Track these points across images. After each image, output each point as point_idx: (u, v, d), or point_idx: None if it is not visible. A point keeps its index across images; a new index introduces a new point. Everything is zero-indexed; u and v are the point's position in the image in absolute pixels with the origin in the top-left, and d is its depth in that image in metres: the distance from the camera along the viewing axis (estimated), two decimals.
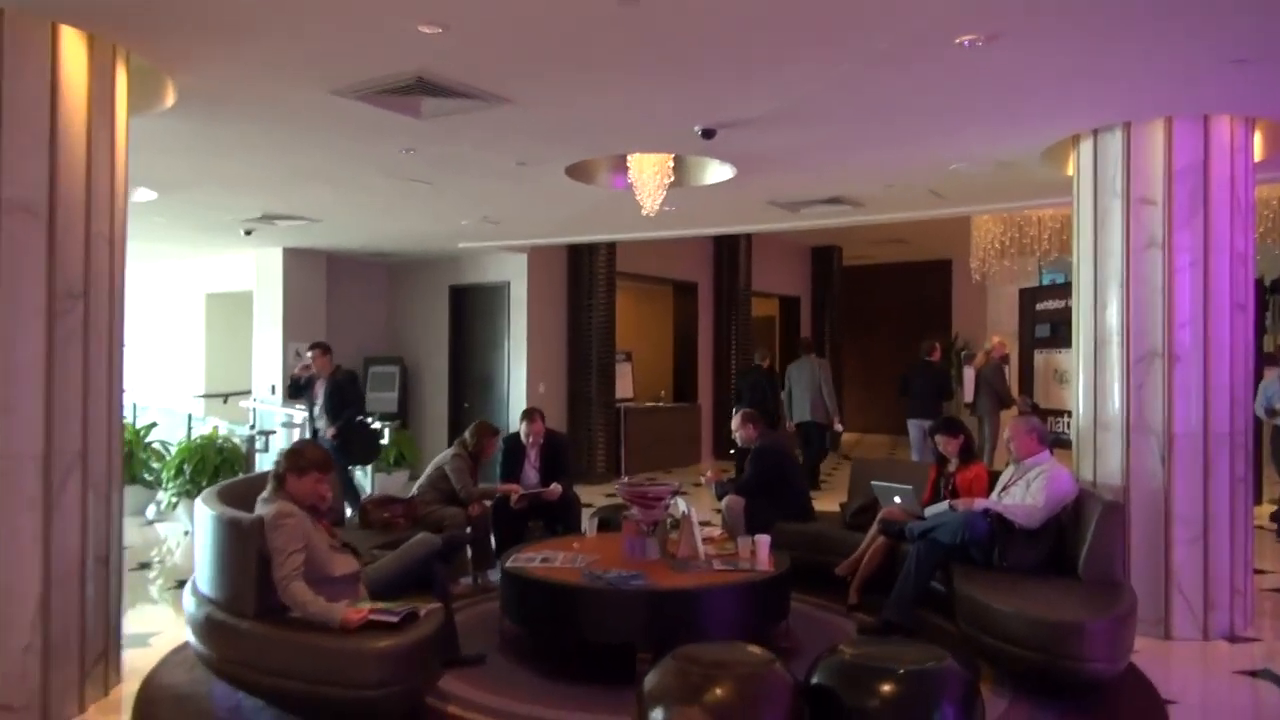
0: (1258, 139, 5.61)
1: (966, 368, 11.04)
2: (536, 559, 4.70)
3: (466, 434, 6.07)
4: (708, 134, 5.04)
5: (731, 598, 4.35)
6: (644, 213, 6.08)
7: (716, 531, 5.39)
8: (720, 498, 6.26)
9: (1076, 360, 5.34)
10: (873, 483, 5.66)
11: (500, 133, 5.32)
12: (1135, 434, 4.97)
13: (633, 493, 4.90)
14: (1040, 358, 9.90)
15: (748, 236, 13.38)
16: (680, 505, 4.95)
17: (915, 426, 9.59)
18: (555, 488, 6.01)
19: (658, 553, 4.76)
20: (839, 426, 11.01)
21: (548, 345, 10.95)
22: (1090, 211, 5.20)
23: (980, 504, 4.81)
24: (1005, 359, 10.27)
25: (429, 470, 6.06)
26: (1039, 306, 10.00)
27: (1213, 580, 4.90)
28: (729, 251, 13.34)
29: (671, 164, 6.03)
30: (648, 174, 5.98)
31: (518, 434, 6.28)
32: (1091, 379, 5.20)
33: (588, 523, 5.95)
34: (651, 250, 12.00)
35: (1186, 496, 4.88)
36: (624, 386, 11.52)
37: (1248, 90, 4.56)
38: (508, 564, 4.64)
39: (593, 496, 9.95)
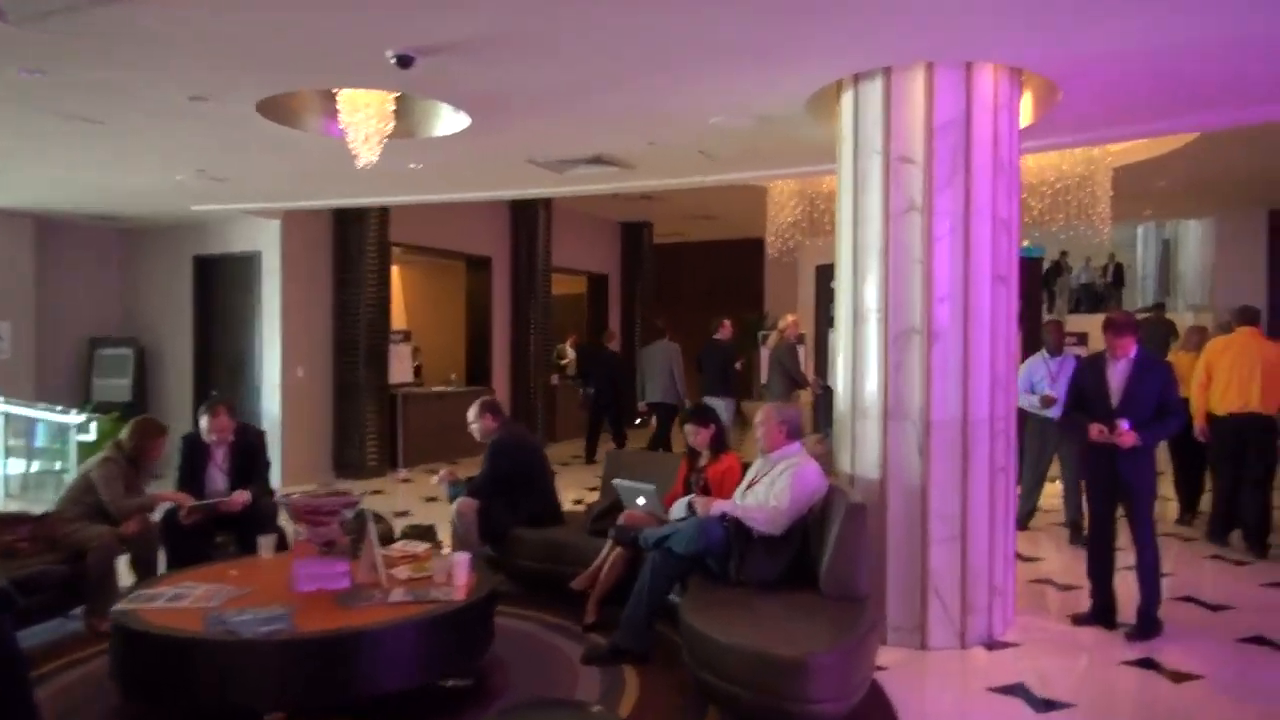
0: (1027, 100, 5.22)
1: (763, 348, 10.62)
2: (162, 597, 3.66)
3: (123, 433, 4.90)
4: (404, 61, 4.11)
5: (402, 638, 3.46)
6: (359, 164, 5.07)
7: (422, 547, 4.50)
8: (452, 500, 5.38)
9: (838, 339, 4.78)
10: (613, 481, 4.93)
11: (146, 52, 4.20)
12: (893, 421, 4.44)
13: (300, 505, 3.93)
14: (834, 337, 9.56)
15: (547, 207, 12.51)
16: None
17: (710, 404, 9.26)
18: (239, 496, 4.93)
19: (335, 580, 3.83)
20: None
21: (309, 324, 9.70)
22: (850, 171, 4.62)
23: (717, 507, 4.15)
24: (800, 339, 9.91)
25: (73, 479, 4.86)
26: (833, 284, 9.64)
27: (970, 581, 4.44)
28: (527, 224, 12.43)
29: (393, 106, 5.04)
30: (362, 117, 4.97)
31: (196, 432, 5.15)
32: (850, 360, 4.64)
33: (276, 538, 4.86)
34: (438, 220, 10.93)
35: (944, 491, 4.40)
36: (401, 370, 10.43)
37: (1014, 35, 4.06)
38: (117, 606, 3.58)
39: None
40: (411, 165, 6.53)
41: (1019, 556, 6.17)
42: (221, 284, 9.99)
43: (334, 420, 9.96)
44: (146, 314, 10.34)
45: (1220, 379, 6.41)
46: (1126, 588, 4.75)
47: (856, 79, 4.53)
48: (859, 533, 3.74)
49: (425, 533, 5.39)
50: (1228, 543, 6.45)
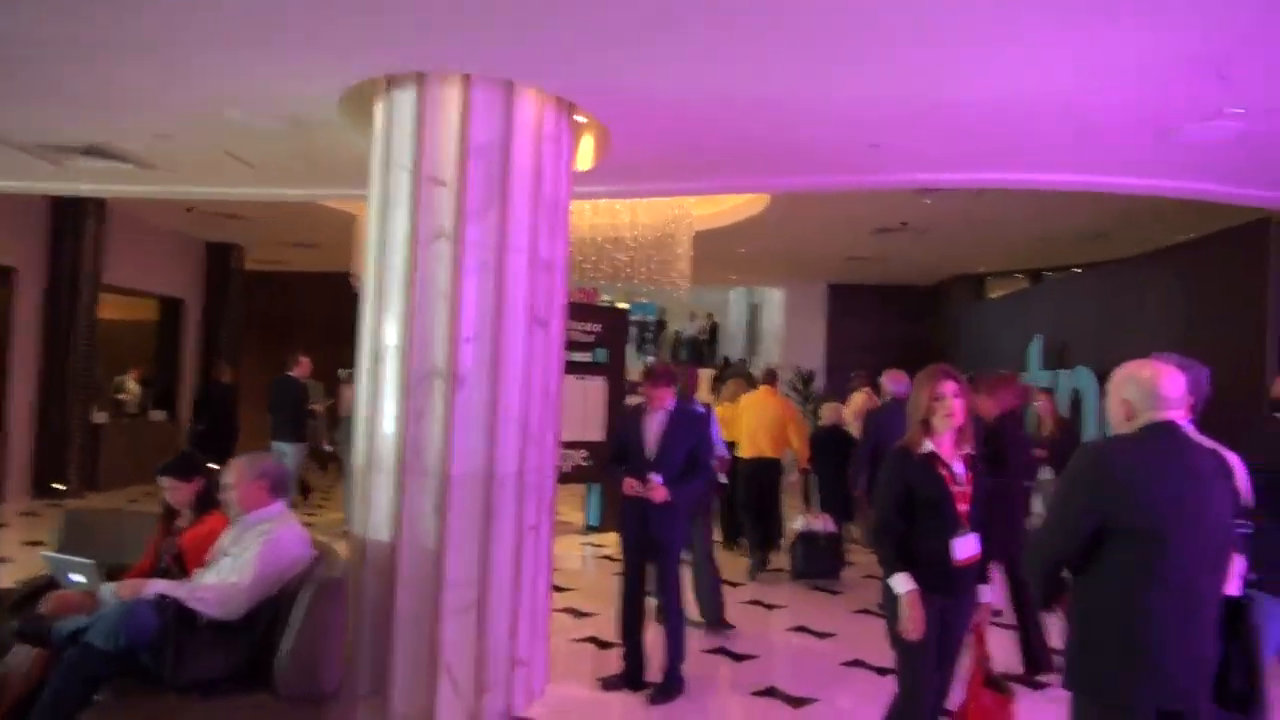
0: (589, 145, 5.05)
1: (344, 387, 9.71)
2: None
3: None
4: None
5: None
6: None
7: None
8: None
9: (360, 381, 4.13)
10: (44, 555, 3.81)
11: None
12: (409, 476, 3.87)
13: None
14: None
15: (98, 215, 10.57)
16: None
17: (275, 450, 8.36)
18: None
19: None
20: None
21: None
22: (380, 189, 4.04)
23: (152, 587, 3.26)
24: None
25: None
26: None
27: (489, 656, 3.97)
28: (71, 231, 10.39)
29: None
30: None
31: None
32: (367, 405, 4.02)
33: None
34: None
35: (462, 554, 3.90)
36: None
37: (559, 63, 3.76)
38: None
39: None
40: None
41: (574, 613, 5.94)
42: None
43: None
44: None
45: (744, 429, 7.36)
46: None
47: (390, 83, 3.99)
48: (329, 616, 3.08)
49: None
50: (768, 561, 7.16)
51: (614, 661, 4.74)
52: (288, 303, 15.38)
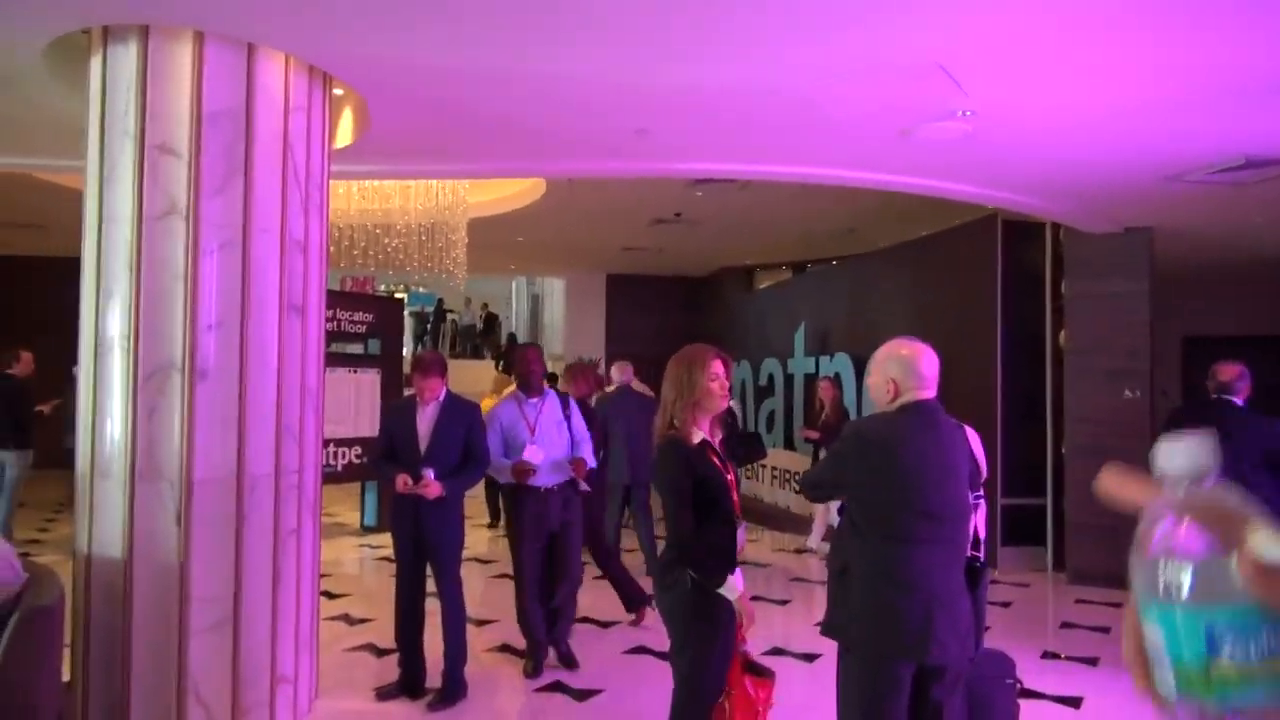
0: (349, 118, 4.73)
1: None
2: None
3: None
4: None
5: None
6: None
7: None
8: None
9: (82, 376, 3.63)
10: None
11: None
12: (142, 482, 3.44)
13: None
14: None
15: None
16: None
17: None
18: None
19: None
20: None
21: None
22: (97, 158, 3.55)
23: None
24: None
25: None
26: None
27: (245, 675, 3.61)
28: None
29: None
30: None
31: None
32: (90, 404, 3.53)
33: None
34: None
35: (210, 567, 3.51)
36: None
37: (306, 29, 3.45)
38: None
39: None
40: None
41: (348, 620, 5.60)
42: None
43: None
44: None
45: None
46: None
47: (107, 35, 3.50)
48: (41, 650, 2.67)
49: None
50: None
51: (392, 669, 4.50)
52: (9, 291, 13.53)
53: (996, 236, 7.61)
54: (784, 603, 6.41)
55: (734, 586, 2.73)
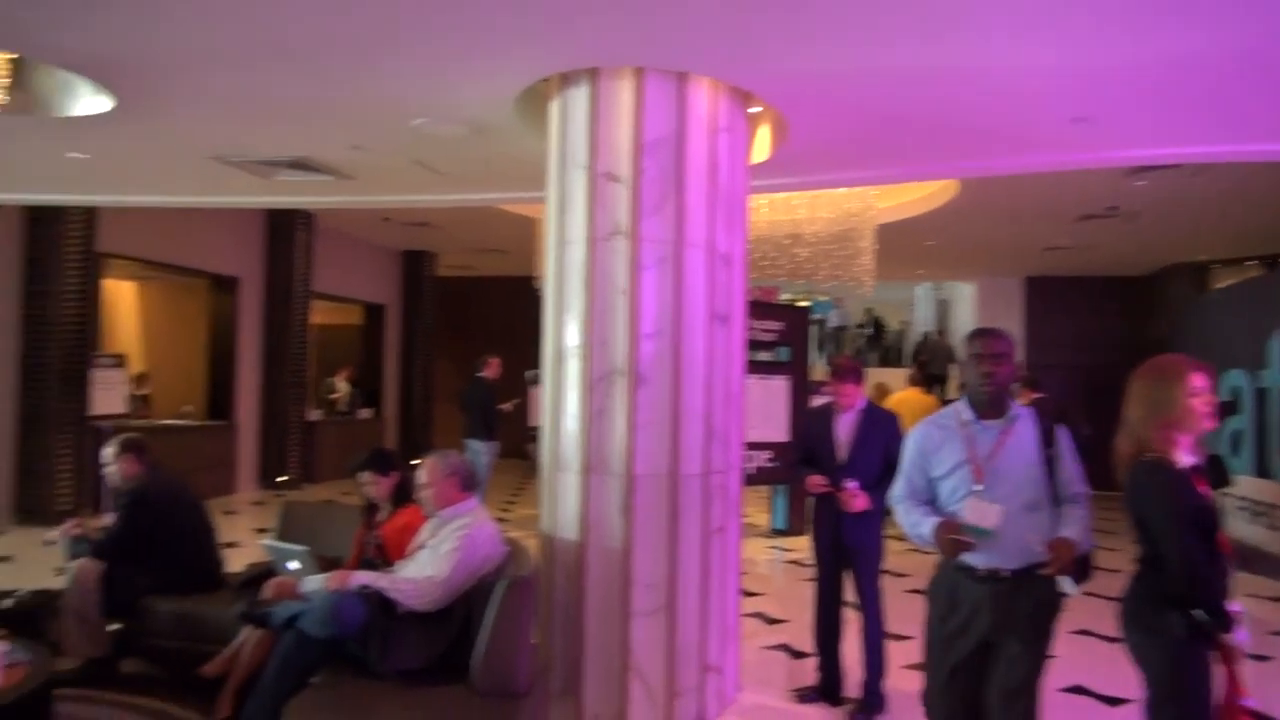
0: (766, 134, 4.90)
1: (533, 388, 9.97)
2: None
3: None
4: None
5: None
6: None
7: None
8: (73, 560, 4.34)
9: (545, 380, 4.17)
10: (263, 543, 4.07)
11: None
12: (594, 475, 3.86)
13: None
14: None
15: (308, 226, 11.43)
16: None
17: (468, 447, 8.78)
18: None
19: None
20: None
21: None
22: (556, 188, 4.06)
23: (357, 579, 3.38)
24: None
25: None
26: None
27: (679, 659, 3.89)
28: (284, 242, 11.29)
29: (3, 71, 4.04)
30: None
31: None
32: (551, 405, 4.04)
33: None
34: (172, 231, 9.65)
35: (649, 555, 3.84)
36: (109, 399, 8.99)
37: (732, 49, 3.65)
38: None
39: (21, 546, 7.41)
40: (72, 155, 5.44)
41: (764, 619, 5.78)
42: None
43: (16, 456, 8.43)
44: None
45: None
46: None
47: (563, 82, 4.00)
48: (521, 614, 3.09)
49: (42, 603, 4.32)
50: None
51: (808, 672, 4.55)
52: (475, 306, 16.08)
53: None
54: (1263, 659, 5.40)
55: (1238, 631, 2.35)
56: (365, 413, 13.47)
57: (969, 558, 2.72)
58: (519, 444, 11.47)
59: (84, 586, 4.18)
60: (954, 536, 2.69)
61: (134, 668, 4.29)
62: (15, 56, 4.02)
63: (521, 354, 10.60)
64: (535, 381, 9.81)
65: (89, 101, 4.42)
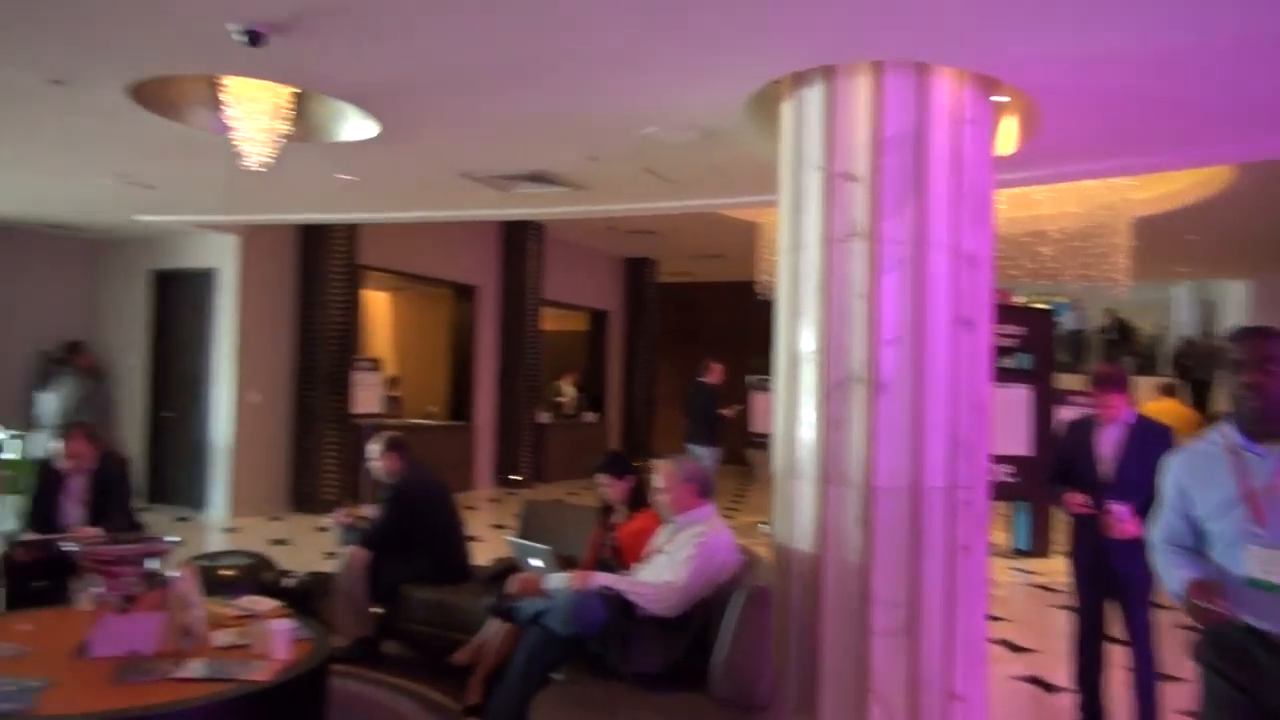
0: (1013, 125, 4.57)
1: (754, 394, 9.91)
2: None
3: None
4: (253, 38, 3.55)
5: None
6: (246, 164, 4.53)
7: (269, 605, 3.84)
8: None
9: (777, 386, 4.10)
10: (508, 539, 4.26)
11: None
12: (831, 485, 3.73)
13: (93, 555, 3.31)
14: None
15: (539, 237, 12.00)
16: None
17: (690, 452, 8.80)
18: (86, 531, 4.31)
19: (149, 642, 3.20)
20: None
21: (269, 346, 9.21)
22: (790, 190, 3.96)
23: (597, 580, 3.45)
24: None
25: None
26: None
27: (922, 685, 3.67)
28: (516, 252, 11.92)
29: (288, 102, 4.51)
30: (250, 111, 4.45)
31: (47, 460, 4.58)
32: (785, 411, 3.95)
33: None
34: (419, 245, 10.47)
35: (889, 572, 3.65)
36: (368, 399, 9.86)
37: (978, 32, 3.42)
38: None
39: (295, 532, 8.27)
40: (340, 176, 6.00)
41: (1009, 646, 5.39)
42: (179, 300, 9.55)
43: (292, 450, 9.42)
44: (103, 329, 9.92)
45: None
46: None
47: (796, 81, 3.90)
48: (759, 624, 3.04)
49: (317, 585, 4.77)
50: None
51: (1061, 709, 4.18)
52: (695, 312, 16.25)
53: None
54: None
55: None
56: (590, 416, 13.96)
57: (1257, 621, 2.19)
58: (740, 449, 11.47)
59: (354, 572, 4.56)
60: (1205, 604, 2.14)
61: (392, 650, 4.64)
62: (299, 91, 4.46)
63: (742, 359, 10.62)
64: (759, 387, 9.76)
65: (357, 127, 4.85)
